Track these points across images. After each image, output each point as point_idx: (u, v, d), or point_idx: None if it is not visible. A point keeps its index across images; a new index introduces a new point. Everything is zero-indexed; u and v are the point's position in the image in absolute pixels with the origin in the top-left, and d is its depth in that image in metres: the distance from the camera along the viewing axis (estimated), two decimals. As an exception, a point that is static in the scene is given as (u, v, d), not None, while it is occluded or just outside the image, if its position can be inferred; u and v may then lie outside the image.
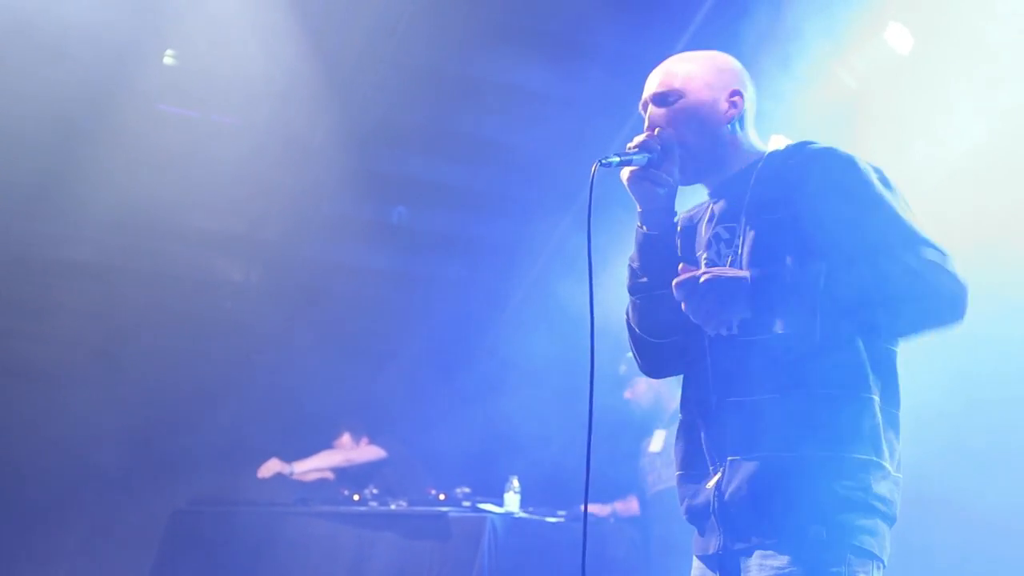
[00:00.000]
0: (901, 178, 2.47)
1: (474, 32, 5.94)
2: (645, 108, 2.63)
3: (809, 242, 2.37)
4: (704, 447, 2.50)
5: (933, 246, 2.31)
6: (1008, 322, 4.59)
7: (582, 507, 5.46)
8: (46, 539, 7.61)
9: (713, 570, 2.53)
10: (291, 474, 6.74)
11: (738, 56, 2.71)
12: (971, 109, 4.80)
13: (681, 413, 2.61)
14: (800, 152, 2.52)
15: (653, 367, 2.74)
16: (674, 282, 2.34)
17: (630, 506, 5.97)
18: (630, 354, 2.75)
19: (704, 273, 2.31)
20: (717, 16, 5.40)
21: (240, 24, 5.56)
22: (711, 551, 2.49)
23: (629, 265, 2.65)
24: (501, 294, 7.62)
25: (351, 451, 6.96)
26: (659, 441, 5.70)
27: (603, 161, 2.48)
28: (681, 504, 2.58)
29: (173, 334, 7.64)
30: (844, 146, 2.48)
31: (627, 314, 2.69)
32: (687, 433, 2.58)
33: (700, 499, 2.50)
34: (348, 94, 6.16)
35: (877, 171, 2.43)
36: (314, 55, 5.85)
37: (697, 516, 2.53)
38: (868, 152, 2.50)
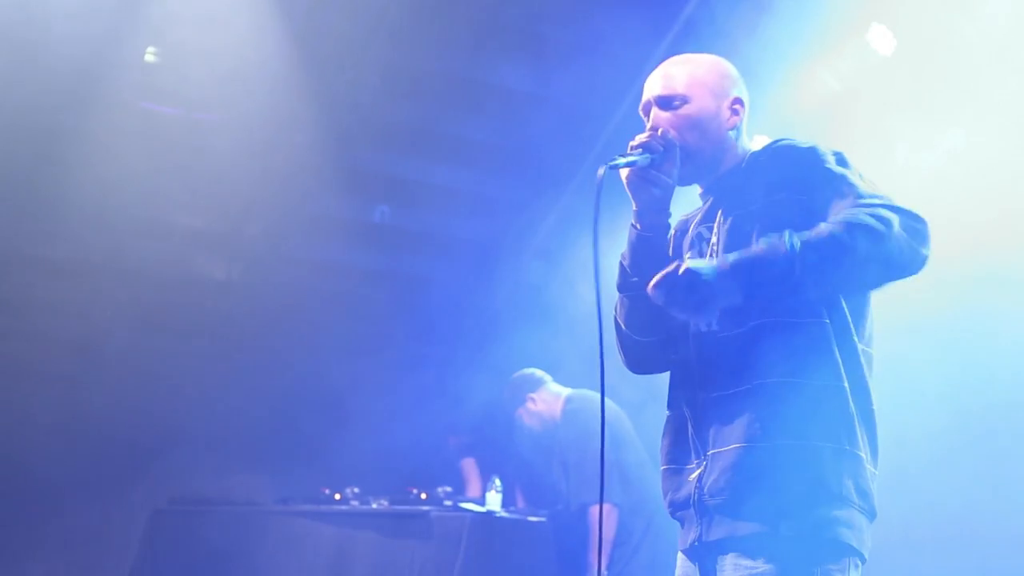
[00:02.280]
0: (883, 180, 2.49)
1: (458, 31, 5.94)
2: (647, 109, 2.65)
3: (775, 228, 2.37)
4: (691, 442, 2.53)
5: (877, 195, 2.34)
6: (991, 322, 4.61)
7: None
8: (24, 539, 7.57)
9: (693, 562, 2.56)
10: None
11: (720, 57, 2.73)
12: (953, 111, 4.81)
13: (668, 409, 2.64)
14: (768, 149, 2.58)
15: (636, 364, 2.76)
16: (651, 284, 2.31)
17: None
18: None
19: (679, 265, 2.29)
20: (699, 16, 5.41)
21: (223, 22, 5.55)
22: (689, 543, 2.53)
23: (620, 263, 2.66)
24: (484, 293, 7.62)
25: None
26: None
27: (610, 164, 2.49)
28: (664, 498, 2.61)
29: (154, 332, 7.61)
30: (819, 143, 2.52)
31: (615, 310, 2.71)
32: (673, 429, 2.61)
33: (682, 492, 2.53)
34: (331, 92, 6.15)
35: (836, 154, 2.48)
36: (297, 53, 5.84)
37: (678, 509, 2.57)
38: (850, 153, 2.52)
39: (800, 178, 2.42)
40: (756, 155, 2.62)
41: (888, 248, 2.24)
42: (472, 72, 6.24)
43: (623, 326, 2.69)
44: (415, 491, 6.03)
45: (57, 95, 5.84)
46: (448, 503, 5.77)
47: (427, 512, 5.55)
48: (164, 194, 6.51)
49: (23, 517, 7.60)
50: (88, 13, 5.32)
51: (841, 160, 2.46)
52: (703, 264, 2.28)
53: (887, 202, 2.31)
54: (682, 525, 2.58)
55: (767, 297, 2.31)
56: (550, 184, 6.57)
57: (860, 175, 2.44)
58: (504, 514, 5.60)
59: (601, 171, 2.46)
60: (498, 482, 5.74)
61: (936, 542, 4.82)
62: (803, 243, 2.24)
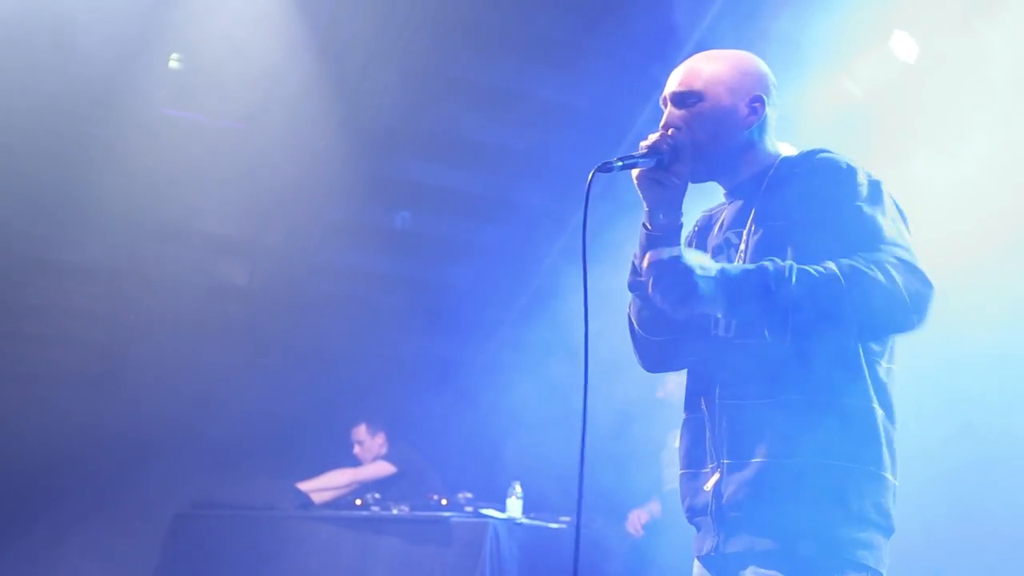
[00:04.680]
0: (906, 187, 2.46)
1: (480, 38, 5.96)
2: (665, 104, 2.62)
3: (805, 249, 2.36)
4: (707, 447, 2.51)
5: (900, 245, 2.32)
6: (1014, 332, 4.58)
7: (575, 515, 5.47)
8: (47, 542, 7.60)
9: (709, 570, 2.54)
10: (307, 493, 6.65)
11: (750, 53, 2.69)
12: (977, 117, 4.79)
13: (685, 412, 2.62)
14: (808, 161, 2.52)
15: (650, 363, 2.75)
16: (646, 262, 2.33)
17: (652, 508, 5.97)
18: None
19: (680, 256, 2.29)
20: (721, 24, 5.41)
21: (246, 28, 5.58)
22: (704, 552, 2.51)
23: (632, 262, 2.65)
24: (505, 299, 7.62)
25: (360, 470, 6.90)
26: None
27: (601, 166, 2.47)
28: (683, 502, 2.59)
29: (177, 338, 7.64)
30: (849, 155, 2.48)
31: (628, 310, 2.70)
32: (691, 432, 2.59)
33: (699, 499, 2.51)
34: (353, 99, 6.18)
35: (873, 184, 2.42)
36: (320, 60, 5.87)
37: (696, 515, 2.55)
38: (873, 161, 2.49)
39: (832, 204, 2.38)
40: (790, 162, 2.56)
41: (881, 304, 2.24)
42: (494, 79, 6.26)
43: (636, 325, 2.68)
44: (436, 497, 6.04)
45: (83, 101, 5.89)
46: (469, 509, 5.78)
47: (448, 518, 5.56)
48: (187, 200, 6.55)
49: (46, 521, 7.64)
50: (113, 19, 5.37)
51: (875, 194, 2.41)
52: (701, 263, 2.29)
53: (903, 256, 2.29)
54: (698, 530, 2.57)
55: (748, 317, 2.32)
56: (573, 189, 6.56)
57: (890, 214, 2.40)
58: (525, 521, 5.60)
59: (591, 174, 2.46)
60: (518, 488, 5.74)
61: (944, 550, 4.81)
62: (799, 277, 2.24)
